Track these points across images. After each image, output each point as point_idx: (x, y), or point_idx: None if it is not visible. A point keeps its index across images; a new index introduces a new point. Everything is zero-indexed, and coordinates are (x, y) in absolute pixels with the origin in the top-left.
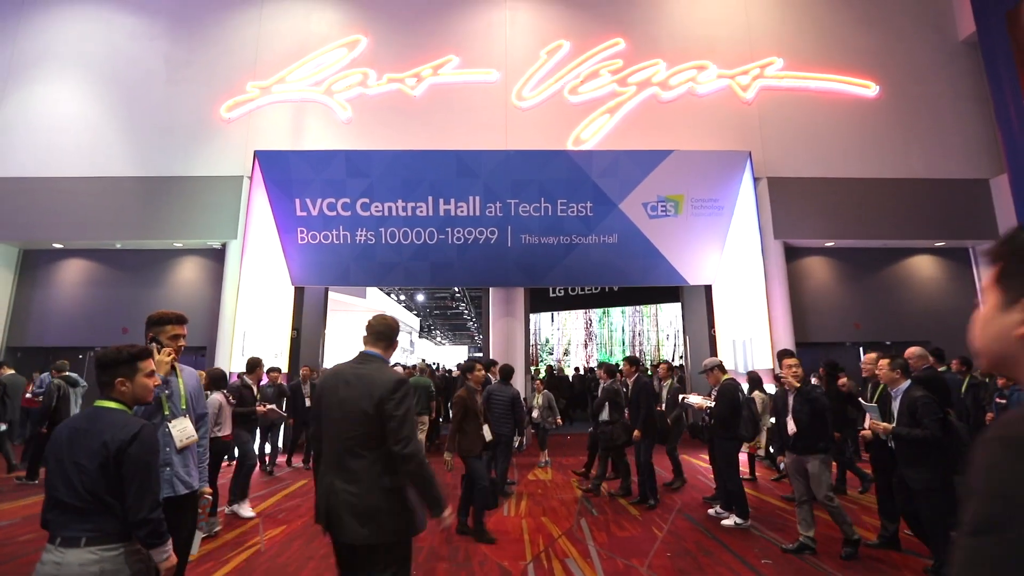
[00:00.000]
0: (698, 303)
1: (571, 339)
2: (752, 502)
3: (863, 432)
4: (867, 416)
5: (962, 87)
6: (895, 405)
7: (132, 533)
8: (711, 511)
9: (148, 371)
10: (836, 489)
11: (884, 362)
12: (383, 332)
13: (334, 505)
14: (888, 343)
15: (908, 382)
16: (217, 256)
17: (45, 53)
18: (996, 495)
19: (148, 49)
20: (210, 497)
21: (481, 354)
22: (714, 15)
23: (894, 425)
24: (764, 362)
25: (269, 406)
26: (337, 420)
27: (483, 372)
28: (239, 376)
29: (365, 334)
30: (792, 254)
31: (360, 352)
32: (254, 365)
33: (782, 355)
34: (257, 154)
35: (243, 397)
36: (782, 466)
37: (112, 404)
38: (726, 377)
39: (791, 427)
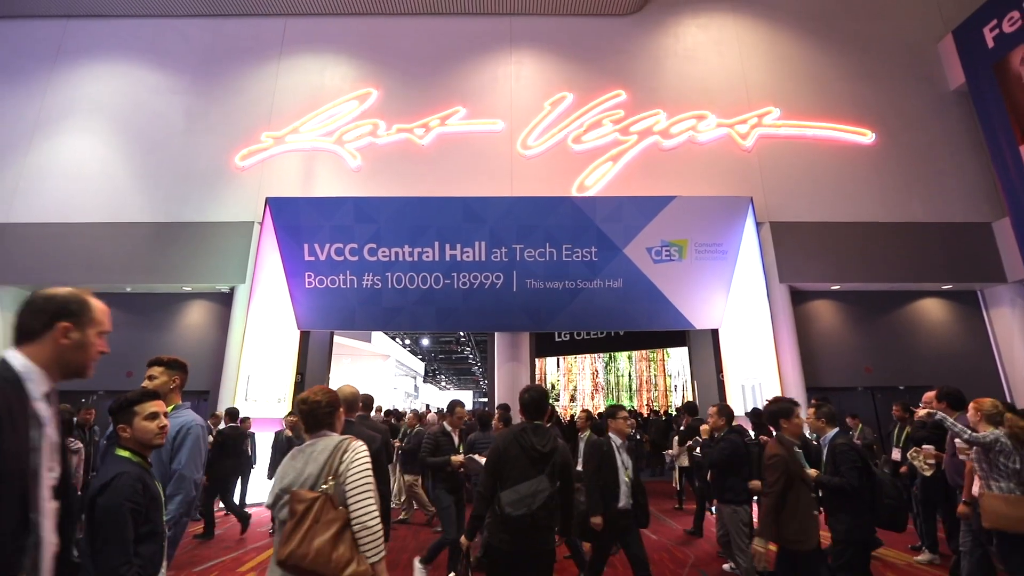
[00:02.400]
0: (705, 348)
1: (576, 385)
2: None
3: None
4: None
5: (956, 134)
6: (825, 453)
7: None
8: (726, 567)
9: (146, 413)
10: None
11: (810, 411)
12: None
13: None
14: (901, 387)
15: (835, 430)
16: (225, 300)
17: (72, 105)
18: None
19: (170, 103)
20: None
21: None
22: (711, 68)
23: (819, 473)
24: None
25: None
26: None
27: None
28: (416, 415)
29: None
30: (798, 298)
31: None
32: (454, 406)
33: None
34: (268, 200)
35: (439, 445)
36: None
37: (122, 452)
38: (735, 425)
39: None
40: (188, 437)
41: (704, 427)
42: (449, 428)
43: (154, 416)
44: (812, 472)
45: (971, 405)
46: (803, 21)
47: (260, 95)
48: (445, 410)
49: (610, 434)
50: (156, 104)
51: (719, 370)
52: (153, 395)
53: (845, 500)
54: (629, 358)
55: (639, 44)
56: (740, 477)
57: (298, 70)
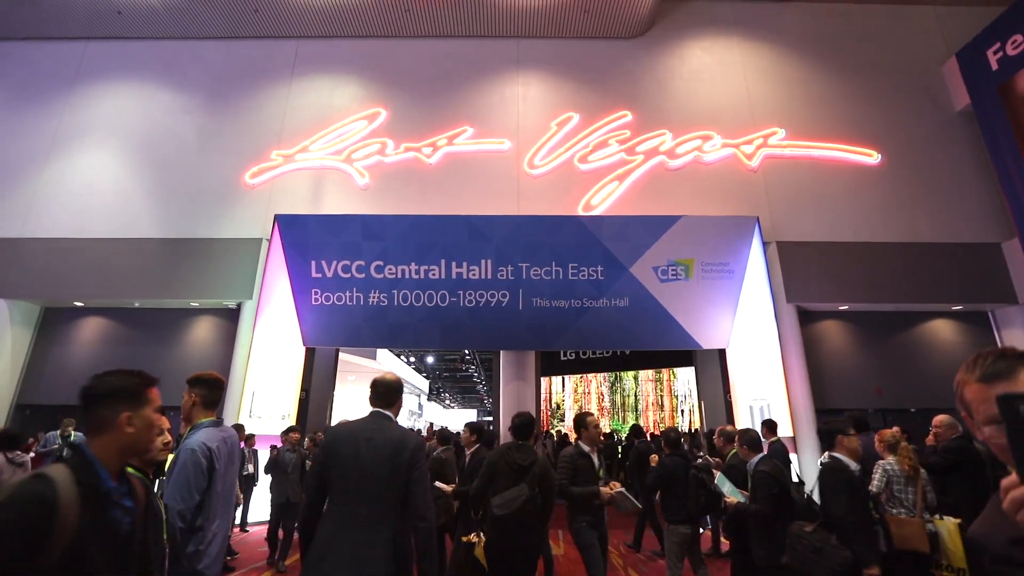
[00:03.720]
0: (712, 368)
1: (581, 405)
2: None
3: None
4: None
5: (962, 154)
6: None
7: None
8: None
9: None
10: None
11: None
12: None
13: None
14: (912, 409)
15: (759, 456)
16: (231, 316)
17: (89, 124)
18: None
19: (183, 122)
20: None
21: (490, 418)
22: (716, 89)
23: (737, 500)
24: (783, 428)
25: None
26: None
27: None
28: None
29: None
30: (806, 318)
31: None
32: (585, 418)
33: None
34: (277, 218)
35: (578, 470)
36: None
37: (129, 469)
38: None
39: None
40: (177, 462)
41: (653, 456)
42: (587, 448)
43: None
44: (731, 500)
45: (876, 436)
46: (807, 43)
47: (271, 114)
48: (573, 424)
49: (579, 442)
50: (169, 123)
51: (726, 391)
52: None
53: (762, 526)
54: (635, 378)
55: (644, 66)
56: (676, 497)
57: (309, 90)
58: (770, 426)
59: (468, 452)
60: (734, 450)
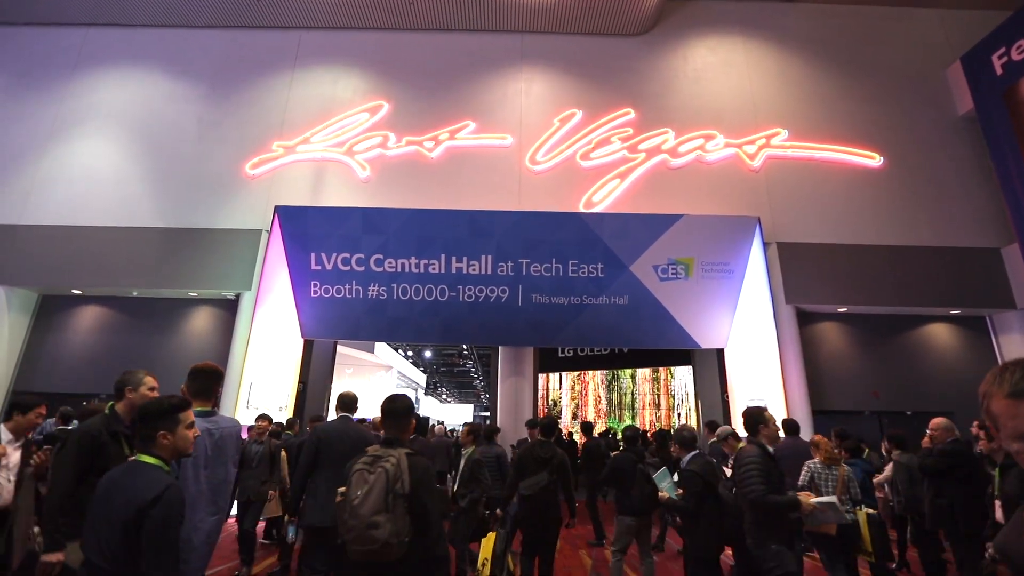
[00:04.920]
0: (710, 367)
1: (578, 403)
2: None
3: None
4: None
5: (964, 159)
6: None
7: None
8: None
9: (189, 422)
10: (655, 546)
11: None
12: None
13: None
14: (909, 413)
15: (691, 454)
16: (230, 307)
17: (89, 111)
18: None
19: (184, 111)
20: None
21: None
22: (720, 89)
23: (669, 495)
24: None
25: None
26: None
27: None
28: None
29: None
30: (805, 319)
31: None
32: (763, 413)
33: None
34: (277, 209)
35: (770, 474)
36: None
37: (150, 459)
38: (741, 445)
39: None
40: None
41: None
42: (769, 446)
43: (191, 425)
44: (663, 495)
45: (815, 440)
46: (812, 45)
47: (273, 105)
48: (749, 420)
49: (762, 441)
50: (170, 112)
51: (724, 390)
52: (189, 403)
53: (690, 521)
54: (632, 377)
55: (649, 64)
56: (624, 490)
57: (311, 81)
58: (711, 426)
59: (464, 452)
60: (742, 444)
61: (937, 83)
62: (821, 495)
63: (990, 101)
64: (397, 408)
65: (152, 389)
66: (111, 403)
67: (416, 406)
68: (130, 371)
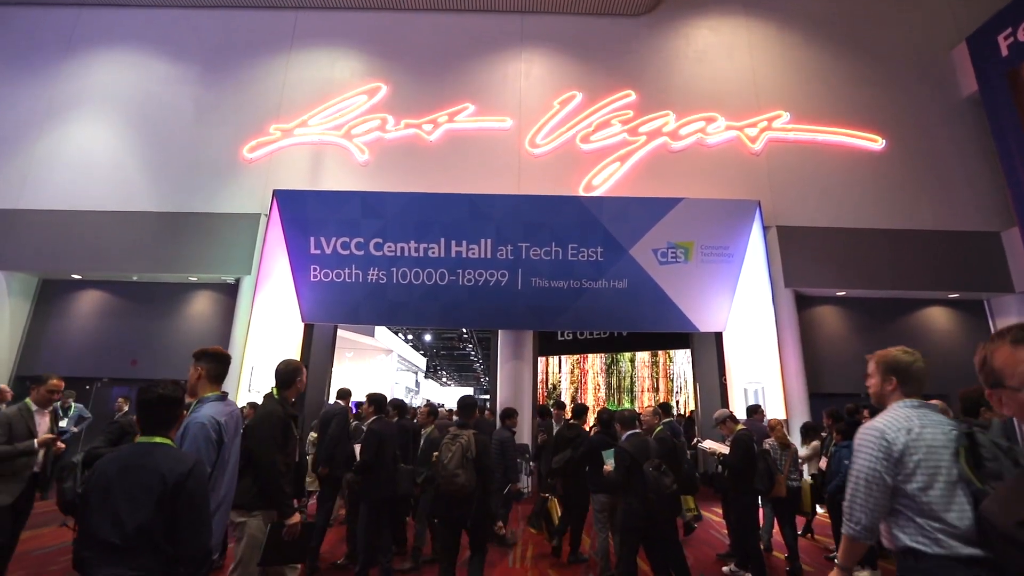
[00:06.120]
0: (708, 351)
1: (577, 387)
2: (776, 563)
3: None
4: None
5: (967, 142)
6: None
7: (177, 569)
8: (726, 569)
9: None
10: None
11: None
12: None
13: None
14: None
15: (629, 432)
16: (230, 291)
17: (82, 94)
18: None
19: (179, 93)
20: None
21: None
22: (721, 70)
23: (611, 469)
24: (777, 411)
25: None
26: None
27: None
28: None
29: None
30: (803, 303)
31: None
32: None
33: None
34: (276, 193)
35: None
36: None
37: (163, 440)
38: (740, 427)
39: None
40: (187, 437)
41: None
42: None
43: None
44: (608, 468)
45: (771, 423)
46: (815, 26)
47: (270, 87)
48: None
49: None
50: (166, 94)
51: (722, 373)
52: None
53: (616, 493)
54: (631, 361)
55: (650, 45)
56: (596, 470)
57: (308, 63)
58: (665, 408)
59: (424, 432)
60: (740, 427)
61: (941, 65)
62: (779, 469)
63: (994, 82)
64: (467, 403)
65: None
66: (276, 390)
67: (417, 390)
68: (287, 360)
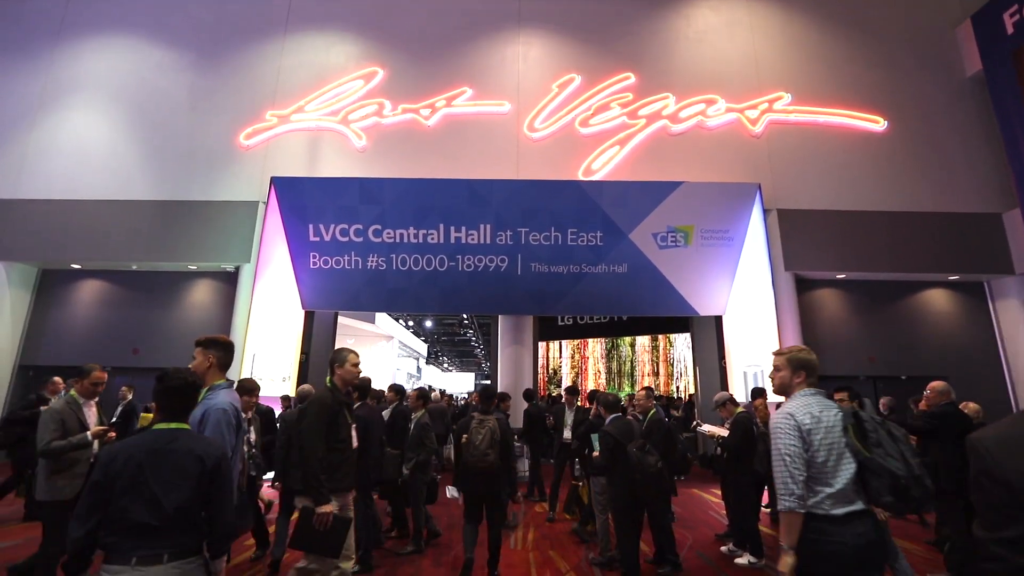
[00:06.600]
0: (708, 334)
1: (578, 372)
2: (769, 540)
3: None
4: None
5: (970, 122)
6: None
7: (210, 542)
8: (724, 549)
9: None
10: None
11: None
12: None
13: None
14: (904, 377)
15: (611, 417)
16: (230, 279)
17: (76, 82)
18: None
19: (174, 80)
20: None
21: (488, 381)
22: (722, 51)
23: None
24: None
25: None
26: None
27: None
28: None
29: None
30: (803, 286)
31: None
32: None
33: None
34: (274, 180)
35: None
36: None
37: (182, 425)
38: (739, 410)
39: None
40: (208, 423)
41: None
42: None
43: None
44: (596, 454)
45: (757, 403)
46: (817, 5)
47: (265, 73)
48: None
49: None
50: (160, 81)
51: (721, 356)
52: None
53: (601, 474)
54: (632, 346)
55: (649, 26)
56: (587, 455)
57: (303, 48)
58: (648, 392)
59: (414, 416)
60: (739, 409)
61: (945, 44)
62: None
63: (999, 61)
64: (489, 393)
65: (355, 365)
66: (329, 378)
67: (418, 376)
68: (340, 349)
